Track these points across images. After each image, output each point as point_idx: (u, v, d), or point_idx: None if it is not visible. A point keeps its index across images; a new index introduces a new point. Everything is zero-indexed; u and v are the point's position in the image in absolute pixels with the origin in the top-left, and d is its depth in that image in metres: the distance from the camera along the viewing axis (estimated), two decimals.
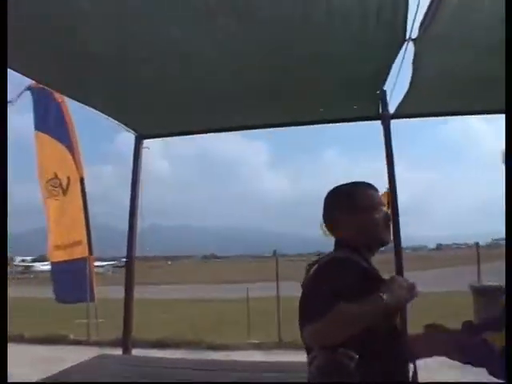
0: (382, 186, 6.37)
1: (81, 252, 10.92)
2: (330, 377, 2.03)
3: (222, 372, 4.98)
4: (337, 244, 2.56)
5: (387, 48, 4.40)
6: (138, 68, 4.76)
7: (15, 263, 68.24)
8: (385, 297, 2.11)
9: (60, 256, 10.96)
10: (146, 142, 7.07)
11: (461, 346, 2.16)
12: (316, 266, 2.36)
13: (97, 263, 24.98)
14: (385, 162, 6.23)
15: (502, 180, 2.17)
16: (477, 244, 11.16)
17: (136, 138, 7.09)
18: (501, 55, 4.67)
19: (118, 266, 68.87)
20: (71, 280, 10.76)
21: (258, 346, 10.06)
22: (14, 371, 3.95)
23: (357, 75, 5.10)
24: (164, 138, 7.52)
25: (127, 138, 7.12)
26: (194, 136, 7.42)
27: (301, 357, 8.66)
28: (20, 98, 10.38)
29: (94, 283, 11.04)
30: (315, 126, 7.03)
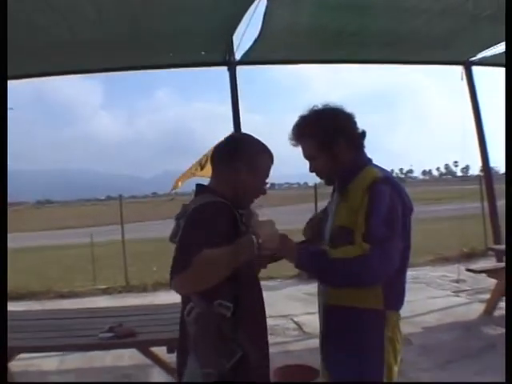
0: (223, 128, 6.75)
1: None
2: (209, 327, 2.14)
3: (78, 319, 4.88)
4: (203, 190, 2.40)
5: (241, 1, 4.65)
6: None
7: None
8: (259, 239, 2.13)
9: None
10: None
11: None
12: (188, 213, 2.23)
13: None
14: (225, 106, 6.58)
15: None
16: (315, 184, 11.70)
17: None
18: (347, 13, 5.22)
19: None
20: None
21: (105, 291, 9.99)
22: None
23: (207, 24, 5.28)
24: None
25: None
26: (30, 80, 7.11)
27: (149, 299, 8.71)
28: None
29: None
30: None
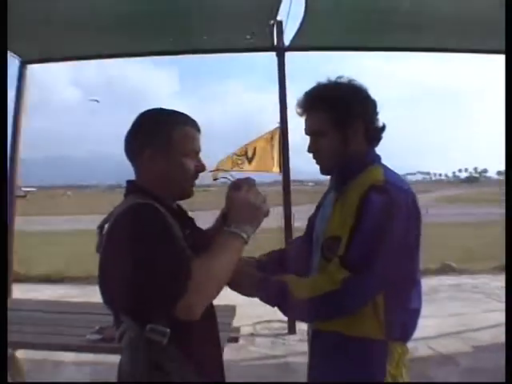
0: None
1: None
2: (141, 356, 1.73)
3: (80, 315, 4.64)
4: (131, 188, 1.96)
5: None
6: None
7: None
8: (239, 230, 1.77)
9: None
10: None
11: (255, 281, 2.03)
12: (111, 221, 1.81)
13: None
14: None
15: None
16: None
17: (20, 63, 6.60)
18: None
19: (17, 196, 66.99)
20: None
21: None
22: None
23: (247, 4, 4.89)
24: (75, 66, 7.13)
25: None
26: (105, 64, 7.06)
27: None
28: None
29: None
30: (219, 55, 6.88)
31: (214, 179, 7.36)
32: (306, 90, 2.21)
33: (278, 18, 5.49)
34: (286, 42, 6.06)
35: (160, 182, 1.90)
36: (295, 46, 6.13)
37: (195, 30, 5.66)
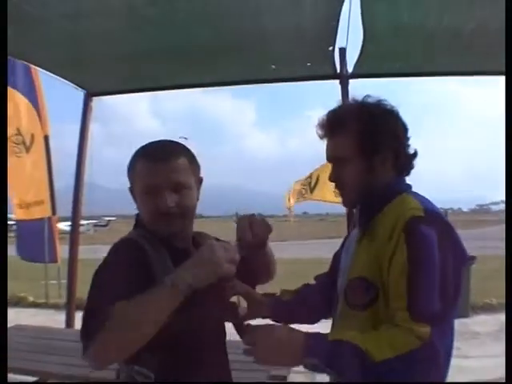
0: None
1: (42, 212, 10.49)
2: None
3: None
4: (135, 221, 1.96)
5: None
6: (83, 24, 4.48)
7: None
8: (176, 277, 1.55)
9: (22, 214, 10.55)
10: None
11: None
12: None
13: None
14: None
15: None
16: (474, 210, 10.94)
17: (84, 95, 6.79)
18: (453, 10, 4.35)
19: (99, 225, 69.09)
20: (32, 239, 10.45)
21: None
22: None
23: (302, 29, 4.75)
24: (156, 96, 7.28)
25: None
26: (185, 94, 7.07)
27: None
28: None
29: (56, 244, 10.65)
30: (295, 84, 6.69)
31: (288, 208, 7.38)
32: (329, 111, 1.98)
33: (340, 45, 5.34)
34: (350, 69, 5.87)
35: (144, 216, 1.87)
36: (358, 73, 5.91)
37: (262, 60, 5.64)
